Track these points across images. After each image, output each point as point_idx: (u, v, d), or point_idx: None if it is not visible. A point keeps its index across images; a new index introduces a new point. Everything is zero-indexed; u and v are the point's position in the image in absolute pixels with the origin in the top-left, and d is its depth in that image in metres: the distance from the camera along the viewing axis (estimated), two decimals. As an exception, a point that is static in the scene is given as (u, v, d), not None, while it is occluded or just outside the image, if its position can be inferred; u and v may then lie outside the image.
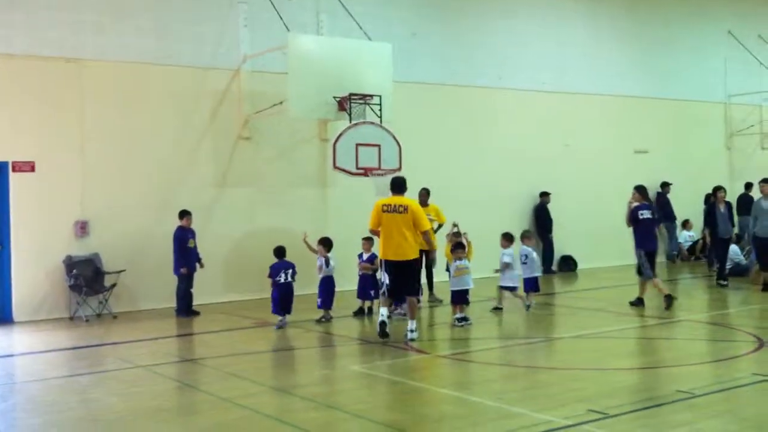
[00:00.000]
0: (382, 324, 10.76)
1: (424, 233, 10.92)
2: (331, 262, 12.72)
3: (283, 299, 12.07)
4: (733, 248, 17.18)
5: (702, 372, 8.67)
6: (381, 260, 11.02)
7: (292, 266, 12.30)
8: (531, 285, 13.16)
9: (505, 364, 9.58)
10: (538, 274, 13.47)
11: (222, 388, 8.43)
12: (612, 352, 9.96)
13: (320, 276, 12.71)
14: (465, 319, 11.76)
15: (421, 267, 11.16)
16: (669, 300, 13.10)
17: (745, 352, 9.64)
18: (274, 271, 12.17)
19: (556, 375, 8.86)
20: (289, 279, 12.18)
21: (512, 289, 12.95)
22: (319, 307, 12.62)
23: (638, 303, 13.33)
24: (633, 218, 13.60)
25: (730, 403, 7.44)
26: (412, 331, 10.76)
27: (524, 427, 6.71)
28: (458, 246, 12.08)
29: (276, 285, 12.10)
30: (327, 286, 12.67)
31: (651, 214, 13.73)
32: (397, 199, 10.83)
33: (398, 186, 10.98)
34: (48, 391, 8.64)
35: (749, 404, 7.35)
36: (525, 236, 13.63)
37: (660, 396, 7.55)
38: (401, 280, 10.82)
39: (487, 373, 9.21)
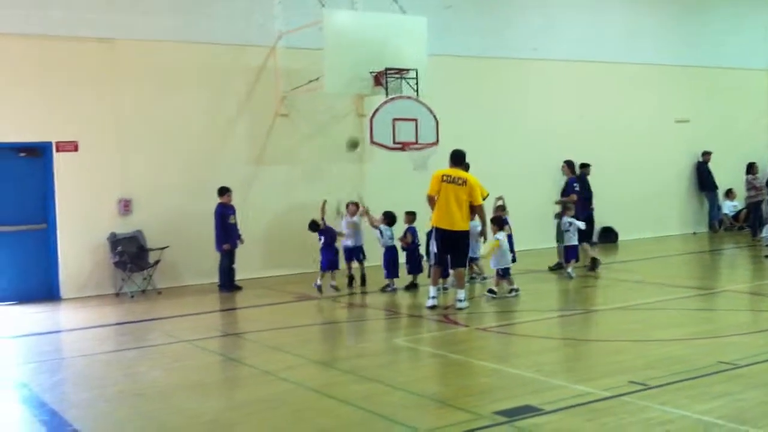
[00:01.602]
0: (432, 308, 10.93)
1: (479, 207, 11.05)
2: (386, 233, 13.11)
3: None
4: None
5: (744, 343, 8.60)
6: (432, 228, 11.17)
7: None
8: (573, 254, 13.55)
9: (545, 337, 9.58)
10: (575, 242, 13.72)
11: (264, 362, 8.57)
12: (653, 324, 9.91)
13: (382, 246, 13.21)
14: (493, 292, 11.91)
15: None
16: (594, 263, 14.12)
17: (788, 322, 9.54)
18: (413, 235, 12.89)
19: (596, 347, 8.86)
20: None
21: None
22: (386, 276, 12.97)
23: (557, 267, 14.35)
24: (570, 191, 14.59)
25: (773, 374, 7.38)
26: (460, 300, 10.93)
27: (563, 399, 6.73)
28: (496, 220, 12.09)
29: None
30: (388, 257, 13.03)
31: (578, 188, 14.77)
32: (456, 172, 11.03)
33: (459, 158, 11.23)
34: (95, 366, 8.85)
35: (793, 375, 7.28)
36: (567, 207, 13.94)
37: (702, 367, 7.50)
38: (451, 251, 11.00)
39: (527, 346, 9.23)
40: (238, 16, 15.01)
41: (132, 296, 13.39)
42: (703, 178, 20.53)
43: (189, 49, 14.58)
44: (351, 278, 13.58)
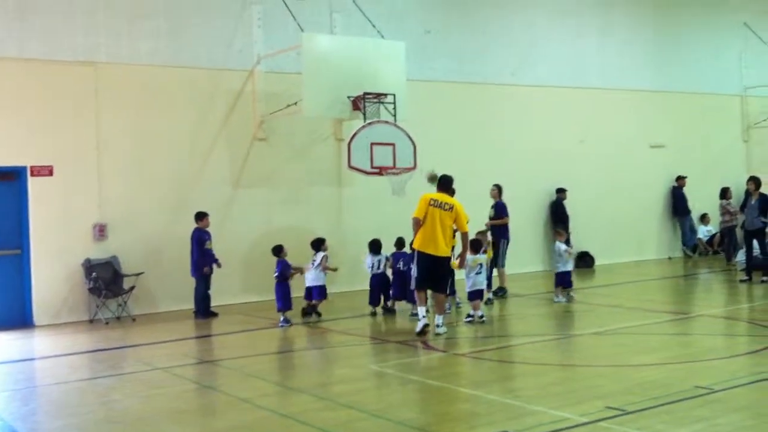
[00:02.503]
0: (424, 327, 10.86)
1: (464, 234, 11.14)
2: (368, 262, 13.35)
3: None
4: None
5: (721, 367, 8.64)
6: (414, 251, 11.14)
7: (405, 255, 12.87)
8: (562, 280, 13.75)
9: (523, 362, 9.58)
10: (570, 268, 13.86)
11: (241, 389, 8.49)
12: (630, 349, 9.94)
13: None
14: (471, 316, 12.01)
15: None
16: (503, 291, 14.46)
17: (764, 346, 9.60)
18: (394, 260, 13.02)
19: (573, 372, 8.86)
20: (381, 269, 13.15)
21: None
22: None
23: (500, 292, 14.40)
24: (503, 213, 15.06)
25: (749, 399, 7.41)
26: (438, 326, 10.91)
27: (542, 425, 6.71)
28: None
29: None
30: (373, 283, 13.25)
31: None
32: (443, 197, 11.10)
33: (447, 184, 11.33)
34: (69, 394, 8.73)
35: (768, 399, 7.32)
36: (559, 233, 14.43)
37: (678, 392, 7.52)
38: (433, 275, 10.97)
39: (505, 371, 9.23)
40: (218, 40, 15.03)
41: (106, 323, 13.25)
42: (677, 202, 20.74)
43: (168, 73, 14.57)
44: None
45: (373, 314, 13.06)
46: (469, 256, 11.87)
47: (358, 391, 8.34)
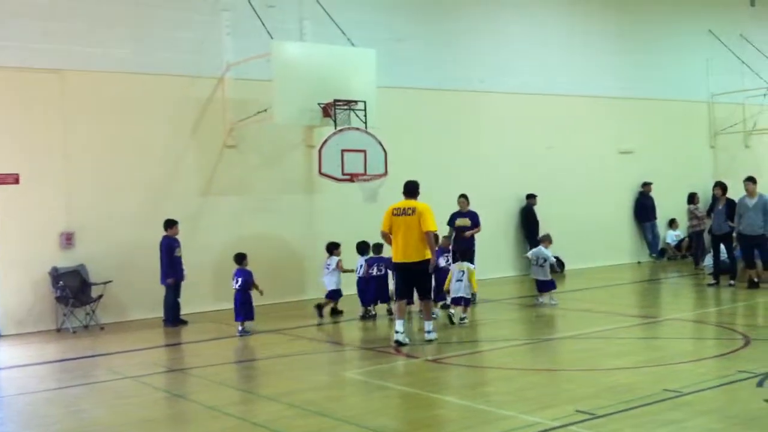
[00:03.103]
0: (397, 342, 10.70)
1: (427, 233, 10.76)
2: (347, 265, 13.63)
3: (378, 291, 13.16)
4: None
5: (689, 370, 8.71)
6: (392, 263, 11.29)
7: (383, 260, 13.20)
8: (549, 285, 13.94)
9: (495, 367, 9.60)
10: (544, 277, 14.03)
11: (210, 398, 8.42)
12: (601, 353, 10.00)
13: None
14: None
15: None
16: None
17: (731, 349, 9.70)
18: (369, 266, 13.21)
19: (545, 376, 8.90)
20: (382, 272, 13.16)
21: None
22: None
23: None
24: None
25: (717, 401, 7.48)
26: (429, 331, 10.91)
27: (513, 429, 6.73)
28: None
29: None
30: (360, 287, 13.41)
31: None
32: (406, 203, 11.01)
33: (408, 189, 11.18)
34: (36, 405, 8.60)
35: (735, 402, 7.39)
36: (545, 239, 14.54)
37: (648, 395, 7.58)
38: (409, 283, 10.96)
39: (477, 377, 9.25)
40: (187, 47, 14.94)
41: (74, 332, 13.09)
42: (640, 208, 20.98)
43: (137, 81, 14.44)
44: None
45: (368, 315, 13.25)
46: (453, 264, 12.24)
47: (329, 398, 8.31)
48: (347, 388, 8.96)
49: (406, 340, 10.72)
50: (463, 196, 15.12)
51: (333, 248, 13.71)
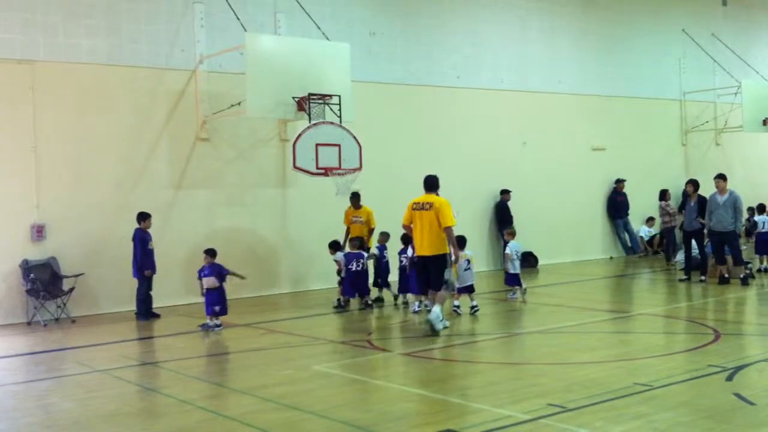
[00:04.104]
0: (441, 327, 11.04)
1: (446, 229, 10.98)
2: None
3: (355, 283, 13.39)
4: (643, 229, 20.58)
5: (659, 365, 8.79)
6: (414, 256, 11.58)
7: (362, 255, 13.50)
8: (517, 280, 14.05)
9: (467, 361, 9.63)
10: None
11: (182, 391, 8.37)
12: (572, 347, 10.07)
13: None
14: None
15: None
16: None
17: (701, 344, 9.81)
18: (347, 260, 13.38)
19: (516, 370, 8.94)
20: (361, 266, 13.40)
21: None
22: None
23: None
24: None
25: (687, 395, 7.54)
26: (440, 320, 11.11)
27: (485, 423, 6.75)
28: None
29: (348, 272, 13.35)
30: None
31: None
32: (425, 197, 11.25)
33: (428, 184, 11.43)
34: (4, 397, 8.50)
35: (705, 395, 7.46)
36: (510, 232, 14.85)
37: (618, 389, 7.64)
38: (425, 275, 11.24)
39: (449, 370, 9.27)
40: (160, 38, 14.82)
41: (45, 325, 12.95)
42: (614, 205, 21.15)
43: (108, 72, 14.32)
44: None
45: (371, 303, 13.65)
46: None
47: (302, 391, 8.29)
48: (319, 382, 8.94)
49: (446, 324, 11.13)
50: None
51: (337, 245, 14.00)
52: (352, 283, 13.43)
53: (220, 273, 12.17)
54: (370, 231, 14.62)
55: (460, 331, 11.59)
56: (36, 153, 13.66)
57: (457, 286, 12.40)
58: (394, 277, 14.10)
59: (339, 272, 13.72)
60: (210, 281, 12.03)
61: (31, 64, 13.65)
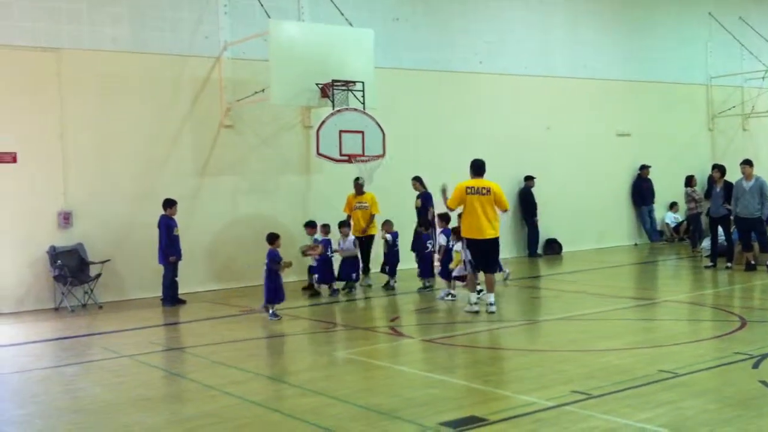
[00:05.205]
0: (477, 313, 11.29)
1: (505, 212, 11.77)
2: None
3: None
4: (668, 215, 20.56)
5: (684, 352, 8.75)
6: (463, 239, 11.61)
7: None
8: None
9: (490, 347, 9.64)
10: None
11: (208, 376, 8.44)
12: (596, 334, 10.04)
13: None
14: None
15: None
16: None
17: (727, 331, 9.74)
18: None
19: (540, 357, 8.92)
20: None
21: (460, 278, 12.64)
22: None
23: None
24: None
25: (713, 382, 7.51)
26: (491, 304, 11.29)
27: (508, 409, 6.76)
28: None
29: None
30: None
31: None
32: (479, 182, 11.39)
33: (478, 168, 11.56)
34: (33, 383, 8.62)
35: (731, 383, 7.42)
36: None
37: (643, 376, 7.61)
38: (483, 258, 11.36)
39: (472, 357, 9.27)
40: (184, 26, 14.87)
41: (72, 310, 13.11)
42: (639, 191, 20.97)
43: (134, 60, 14.39)
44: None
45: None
46: (458, 245, 12.44)
47: (326, 377, 8.34)
48: (343, 367, 8.99)
49: (492, 307, 11.32)
50: (415, 179, 15.01)
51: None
52: (329, 270, 13.73)
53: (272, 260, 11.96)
54: (371, 217, 14.62)
55: (483, 317, 11.58)
56: (62, 140, 13.78)
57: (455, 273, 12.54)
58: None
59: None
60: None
61: (57, 52, 13.74)
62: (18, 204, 13.38)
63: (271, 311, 11.70)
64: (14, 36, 13.36)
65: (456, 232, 12.38)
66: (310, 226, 14.16)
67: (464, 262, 11.81)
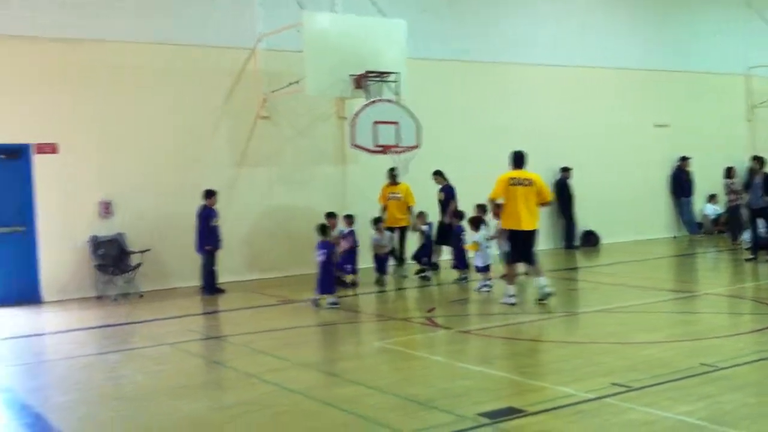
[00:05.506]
0: (514, 305, 11.26)
1: (548, 204, 11.73)
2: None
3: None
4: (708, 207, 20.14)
5: (725, 345, 8.66)
6: (503, 229, 11.64)
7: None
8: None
9: (528, 339, 9.62)
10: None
11: (247, 364, 8.54)
12: (635, 326, 9.97)
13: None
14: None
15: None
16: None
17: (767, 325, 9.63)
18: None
19: (579, 349, 8.88)
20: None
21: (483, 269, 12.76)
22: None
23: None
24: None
25: (754, 376, 7.44)
26: (545, 286, 11.37)
27: (547, 401, 6.75)
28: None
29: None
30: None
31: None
32: (522, 173, 11.39)
33: (519, 159, 11.54)
34: (76, 370, 8.78)
35: (773, 376, 7.35)
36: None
37: (683, 369, 7.54)
38: (524, 248, 11.37)
39: (509, 348, 9.26)
40: (219, 18, 14.97)
41: (114, 299, 13.31)
42: (679, 183, 20.71)
43: (170, 51, 14.52)
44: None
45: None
46: (482, 232, 12.51)
47: (364, 367, 8.39)
48: (381, 357, 9.03)
49: (547, 288, 11.35)
50: (436, 173, 15.17)
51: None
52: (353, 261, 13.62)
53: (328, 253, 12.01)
54: (409, 209, 14.62)
55: (520, 309, 11.56)
56: (103, 131, 13.97)
57: (480, 265, 12.64)
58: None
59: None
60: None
61: (95, 44, 13.92)
62: (59, 194, 13.60)
63: (330, 300, 11.71)
64: (57, 28, 13.54)
65: (473, 222, 12.44)
66: (332, 217, 13.74)
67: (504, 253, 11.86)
